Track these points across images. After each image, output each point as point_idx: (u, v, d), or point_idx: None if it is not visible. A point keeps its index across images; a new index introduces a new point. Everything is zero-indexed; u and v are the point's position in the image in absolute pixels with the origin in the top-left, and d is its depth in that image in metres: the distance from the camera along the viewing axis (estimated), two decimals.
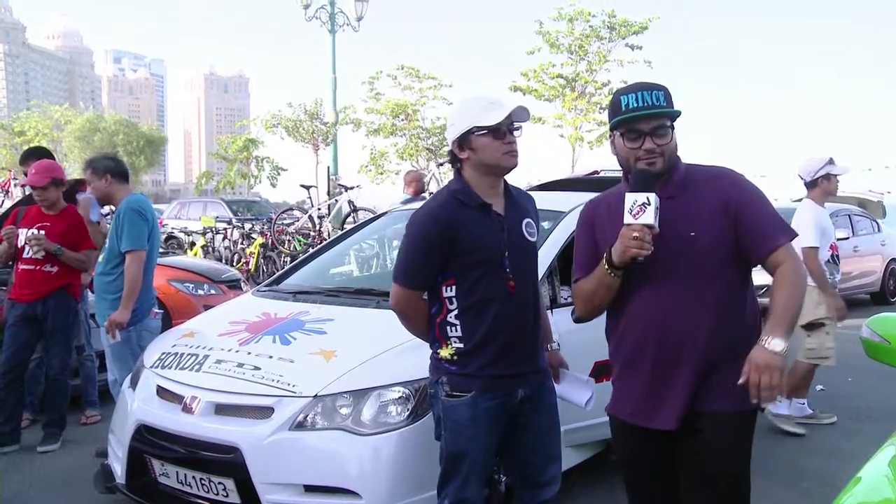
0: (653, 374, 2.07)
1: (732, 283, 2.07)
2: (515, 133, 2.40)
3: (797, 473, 4.14)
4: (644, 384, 2.10)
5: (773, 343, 1.90)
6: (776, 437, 4.76)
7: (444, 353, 2.41)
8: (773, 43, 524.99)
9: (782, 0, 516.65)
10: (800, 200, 5.30)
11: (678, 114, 2.07)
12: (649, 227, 1.93)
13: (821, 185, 4.88)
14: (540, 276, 2.81)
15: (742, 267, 2.09)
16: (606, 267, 2.03)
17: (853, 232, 10.73)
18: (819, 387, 6.03)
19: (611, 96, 2.17)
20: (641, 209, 1.93)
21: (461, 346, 2.38)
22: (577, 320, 2.30)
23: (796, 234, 2.12)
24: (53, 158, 5.18)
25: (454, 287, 2.39)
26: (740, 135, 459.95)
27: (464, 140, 2.38)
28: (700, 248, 2.02)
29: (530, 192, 2.81)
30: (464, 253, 2.35)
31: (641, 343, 2.09)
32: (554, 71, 20.95)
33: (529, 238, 2.47)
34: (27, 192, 5.30)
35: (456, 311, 2.39)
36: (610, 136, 2.16)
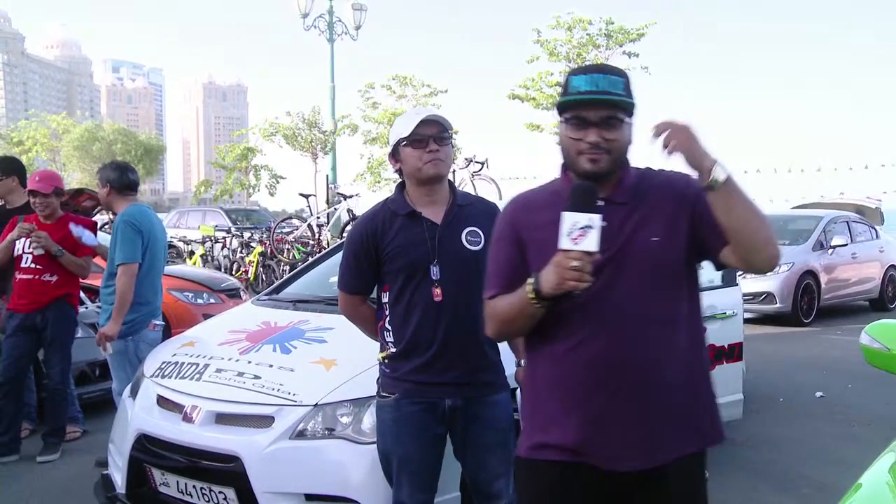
0: (620, 408, 1.72)
1: (693, 299, 1.83)
2: (442, 142, 2.41)
3: (797, 480, 4.14)
4: (616, 422, 1.73)
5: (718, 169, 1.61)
6: (776, 444, 4.76)
7: (380, 356, 2.51)
8: (772, 49, 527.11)
9: (781, 7, 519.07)
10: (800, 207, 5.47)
11: (632, 106, 1.76)
12: (590, 254, 1.58)
13: None
14: None
15: (693, 284, 1.86)
16: (532, 297, 1.68)
17: (851, 238, 10.77)
18: (819, 393, 6.05)
19: None
20: (583, 233, 1.57)
21: (393, 350, 2.45)
22: (490, 337, 1.98)
23: None
24: (25, 169, 5.16)
25: (387, 294, 2.47)
26: (739, 138, 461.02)
27: (395, 152, 2.46)
28: (664, 256, 1.75)
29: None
30: (388, 260, 2.43)
31: (604, 373, 1.72)
32: (552, 80, 20.92)
33: (470, 247, 2.44)
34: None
35: (389, 317, 2.47)
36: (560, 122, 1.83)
